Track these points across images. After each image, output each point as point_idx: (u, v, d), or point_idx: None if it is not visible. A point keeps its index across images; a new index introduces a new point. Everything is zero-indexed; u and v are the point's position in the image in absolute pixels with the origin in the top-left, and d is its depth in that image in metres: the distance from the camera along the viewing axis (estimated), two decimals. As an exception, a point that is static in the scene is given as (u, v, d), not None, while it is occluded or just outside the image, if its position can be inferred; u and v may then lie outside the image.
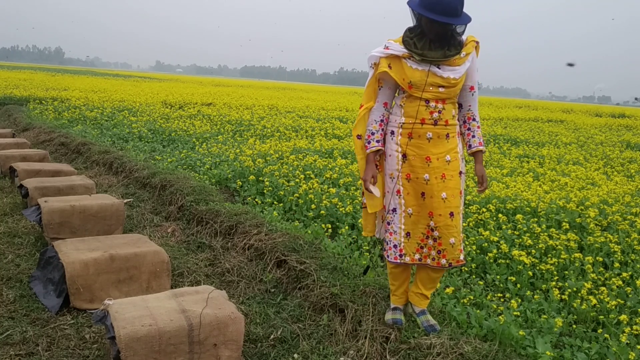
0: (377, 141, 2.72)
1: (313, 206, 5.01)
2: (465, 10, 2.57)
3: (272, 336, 3.00)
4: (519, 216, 4.81)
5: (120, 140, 9.11)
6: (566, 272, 3.92)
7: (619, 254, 4.14)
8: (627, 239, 4.44)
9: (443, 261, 2.70)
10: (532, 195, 5.63)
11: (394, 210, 2.73)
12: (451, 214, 2.65)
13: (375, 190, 2.70)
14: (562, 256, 4.03)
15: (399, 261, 2.75)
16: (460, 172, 2.70)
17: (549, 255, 4.14)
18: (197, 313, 2.51)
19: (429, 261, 2.72)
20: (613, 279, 3.64)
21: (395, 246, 2.75)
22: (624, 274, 3.77)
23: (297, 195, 5.35)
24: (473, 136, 2.78)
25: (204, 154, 7.62)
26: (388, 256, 2.78)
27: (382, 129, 2.74)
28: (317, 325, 3.12)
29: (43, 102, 14.10)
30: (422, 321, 2.85)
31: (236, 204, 5.06)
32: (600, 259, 4.13)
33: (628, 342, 2.88)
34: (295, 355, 2.82)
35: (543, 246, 4.28)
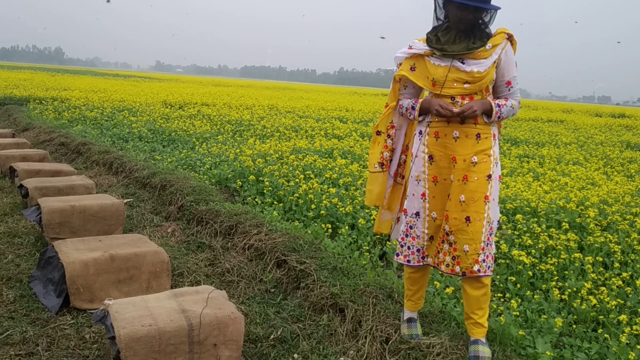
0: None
1: (313, 206, 5.01)
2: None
3: (272, 336, 3.00)
4: (519, 216, 4.80)
5: (120, 140, 9.11)
6: (566, 272, 3.93)
7: (619, 254, 4.14)
8: (627, 239, 4.44)
9: (457, 269, 2.51)
10: (532, 195, 5.63)
11: (417, 214, 2.62)
12: (467, 219, 2.47)
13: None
14: (562, 256, 4.03)
15: (422, 263, 2.67)
16: (489, 176, 2.50)
17: (549, 255, 4.14)
18: (197, 313, 2.51)
19: (442, 267, 2.57)
20: (613, 279, 3.64)
21: (418, 250, 2.66)
22: (624, 274, 3.77)
23: (297, 195, 5.35)
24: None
25: (204, 154, 7.63)
26: (409, 261, 2.67)
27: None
28: (317, 325, 3.12)
29: (43, 102, 14.10)
30: (470, 351, 2.58)
31: (236, 204, 5.06)
32: (600, 259, 4.13)
33: (628, 342, 2.88)
34: (295, 355, 2.82)
35: (543, 246, 4.28)
